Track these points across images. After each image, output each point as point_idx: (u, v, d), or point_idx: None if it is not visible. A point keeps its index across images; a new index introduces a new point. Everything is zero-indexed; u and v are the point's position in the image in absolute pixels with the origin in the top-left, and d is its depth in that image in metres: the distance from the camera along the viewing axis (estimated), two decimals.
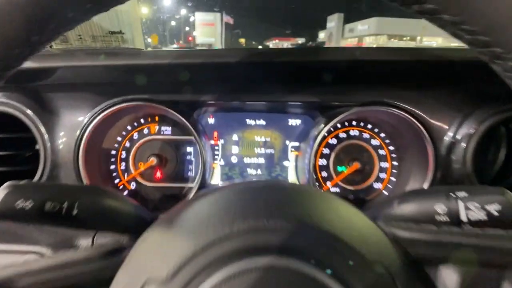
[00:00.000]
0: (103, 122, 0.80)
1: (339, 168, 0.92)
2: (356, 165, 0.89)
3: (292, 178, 0.94)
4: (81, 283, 0.38)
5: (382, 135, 0.92)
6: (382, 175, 0.93)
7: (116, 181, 0.91)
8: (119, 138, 0.90)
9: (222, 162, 0.94)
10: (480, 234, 0.34)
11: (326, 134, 0.81)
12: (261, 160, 0.94)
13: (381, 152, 0.92)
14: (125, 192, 0.91)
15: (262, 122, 0.94)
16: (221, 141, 0.94)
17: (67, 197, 0.46)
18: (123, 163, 0.91)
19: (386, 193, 0.93)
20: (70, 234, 0.52)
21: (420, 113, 0.81)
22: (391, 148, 0.92)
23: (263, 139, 0.94)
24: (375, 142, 0.92)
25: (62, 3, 0.31)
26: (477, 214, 0.36)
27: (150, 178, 0.91)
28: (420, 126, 0.80)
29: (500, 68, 0.25)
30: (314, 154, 0.82)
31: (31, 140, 0.78)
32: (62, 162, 0.78)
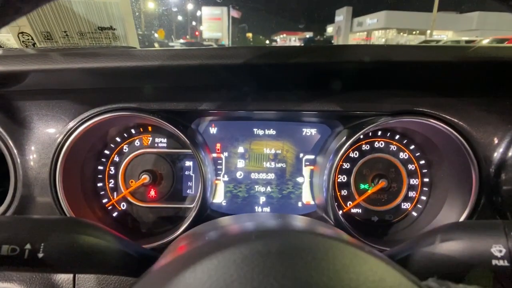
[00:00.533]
0: (86, 135, 0.68)
1: (362, 186, 0.79)
2: (382, 183, 0.76)
3: (306, 196, 0.81)
4: None
5: (412, 147, 0.79)
6: (412, 194, 0.80)
7: (104, 201, 0.79)
8: (106, 152, 0.78)
9: (226, 178, 0.82)
10: None
11: (348, 147, 0.68)
12: (271, 176, 0.82)
13: (411, 167, 0.79)
14: (115, 214, 0.79)
15: (272, 132, 0.81)
16: (225, 154, 0.81)
17: (30, 238, 0.37)
18: (112, 181, 0.79)
19: (415, 214, 0.80)
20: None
21: (463, 125, 0.67)
22: (422, 162, 0.79)
23: (273, 151, 0.81)
24: (403, 155, 0.79)
25: None
26: None
27: (143, 197, 0.79)
28: (462, 140, 0.67)
29: None
30: (334, 170, 0.69)
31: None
32: (36, 181, 0.67)
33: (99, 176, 0.78)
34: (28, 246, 0.36)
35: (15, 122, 0.67)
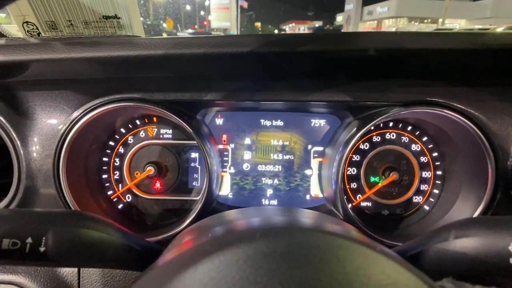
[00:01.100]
0: (89, 125, 0.67)
1: (372, 179, 0.77)
2: (393, 176, 0.73)
3: (314, 189, 0.79)
4: None
5: (424, 138, 0.76)
6: (424, 187, 0.77)
7: (109, 192, 0.78)
8: (111, 143, 0.77)
9: (233, 170, 0.80)
10: None
11: (359, 139, 0.66)
12: (278, 168, 0.80)
13: (423, 159, 0.77)
14: (120, 206, 0.78)
15: (279, 123, 0.79)
16: (231, 146, 0.79)
17: (31, 231, 0.36)
18: (117, 172, 0.78)
19: (427, 208, 0.77)
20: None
21: (478, 115, 0.64)
22: (435, 154, 0.76)
23: (280, 143, 0.79)
24: (415, 147, 0.76)
25: None
26: None
27: (148, 189, 0.78)
28: (477, 131, 0.64)
29: None
30: (343, 162, 0.67)
31: (1, 148, 0.66)
32: (39, 173, 0.66)
33: (103, 167, 0.77)
34: (29, 240, 0.36)
35: (18, 113, 0.66)
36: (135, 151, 0.77)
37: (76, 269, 0.67)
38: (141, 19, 0.98)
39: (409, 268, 0.26)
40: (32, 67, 0.63)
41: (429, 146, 0.76)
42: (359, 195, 0.77)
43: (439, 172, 0.77)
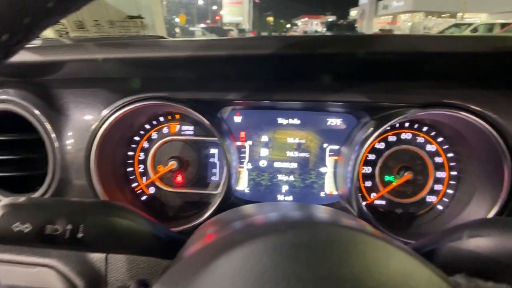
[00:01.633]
0: (118, 122, 0.71)
1: (387, 178, 0.79)
2: (408, 176, 0.75)
3: (329, 186, 0.82)
4: None
5: (440, 139, 0.77)
6: (438, 187, 0.79)
7: (134, 185, 0.82)
8: (136, 138, 0.81)
9: (250, 166, 0.83)
10: None
11: (375, 139, 0.68)
12: (294, 165, 0.83)
13: (438, 160, 0.78)
14: (144, 197, 0.83)
15: (296, 121, 0.81)
16: (249, 143, 0.82)
17: (71, 219, 0.40)
18: (141, 166, 0.82)
19: (440, 207, 0.79)
20: None
21: (496, 117, 0.65)
22: (450, 155, 0.77)
23: (297, 141, 0.82)
24: (431, 147, 0.78)
25: None
26: None
27: (170, 182, 0.82)
28: (494, 133, 0.65)
29: None
30: (359, 161, 0.69)
31: (37, 141, 0.71)
32: (72, 165, 0.71)
33: (129, 161, 0.82)
34: (69, 226, 0.39)
35: (53, 109, 0.71)
36: (159, 146, 0.81)
37: (104, 255, 0.71)
38: None
39: (424, 262, 0.29)
40: (66, 66, 0.68)
41: (445, 147, 0.77)
42: (374, 194, 0.79)
43: (454, 173, 0.78)
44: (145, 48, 0.63)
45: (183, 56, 0.63)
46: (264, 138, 0.82)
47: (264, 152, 0.83)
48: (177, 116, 0.81)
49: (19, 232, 0.38)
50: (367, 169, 0.79)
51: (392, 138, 0.78)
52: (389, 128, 0.75)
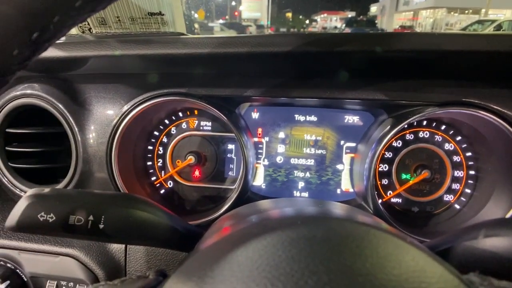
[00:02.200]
0: (138, 117, 0.73)
1: (403, 176, 0.79)
2: (425, 174, 0.75)
3: (345, 184, 0.82)
4: None
5: (458, 138, 0.77)
6: (455, 186, 0.78)
7: (153, 178, 0.84)
8: (156, 133, 0.83)
9: (266, 162, 0.84)
10: None
11: (392, 137, 0.68)
12: (311, 162, 0.83)
13: (456, 158, 0.77)
14: (162, 191, 0.85)
15: (313, 118, 0.82)
16: (266, 139, 0.83)
17: (93, 210, 0.42)
18: (160, 160, 0.84)
19: (458, 206, 0.78)
20: None
21: None
22: (468, 154, 0.76)
23: (313, 137, 0.82)
24: (448, 146, 0.77)
25: None
26: None
27: (188, 177, 0.84)
28: None
29: None
30: (376, 158, 0.69)
31: (61, 134, 0.73)
32: (94, 158, 0.73)
33: (148, 155, 0.84)
34: (91, 217, 0.41)
35: (77, 103, 0.74)
36: (178, 141, 0.83)
37: (123, 246, 0.74)
38: None
39: (437, 259, 0.29)
40: (89, 62, 0.70)
41: (463, 146, 0.77)
42: (390, 191, 0.79)
43: (471, 172, 0.77)
44: (165, 45, 0.65)
45: (203, 53, 0.64)
46: (281, 134, 0.83)
47: (281, 148, 0.84)
48: (196, 112, 0.82)
49: (44, 222, 0.40)
50: (384, 167, 0.79)
51: (409, 136, 0.78)
52: (406, 126, 0.74)
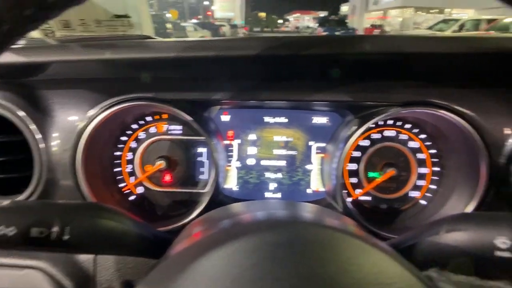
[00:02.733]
0: (104, 122, 0.71)
1: (371, 174, 0.81)
2: (392, 172, 0.77)
3: (315, 183, 0.83)
4: None
5: (422, 136, 0.79)
6: (421, 182, 0.81)
7: (122, 185, 0.82)
8: (124, 138, 0.81)
9: (238, 165, 0.84)
10: None
11: (358, 136, 0.70)
12: (282, 163, 0.84)
13: (420, 156, 0.80)
14: (132, 197, 0.83)
15: (283, 120, 0.82)
16: (237, 141, 0.83)
17: (56, 221, 0.41)
18: (129, 166, 0.82)
19: (424, 202, 0.81)
20: None
21: (473, 115, 0.67)
22: (432, 151, 0.79)
23: (284, 139, 0.83)
24: (413, 144, 0.80)
25: None
26: None
27: (158, 182, 0.83)
28: (471, 130, 0.67)
29: None
30: (344, 158, 0.71)
31: (24, 142, 0.70)
32: (58, 166, 0.71)
33: (116, 161, 0.82)
34: (54, 229, 0.40)
35: (39, 110, 0.71)
36: (147, 146, 0.81)
37: (92, 256, 0.71)
38: None
39: (398, 259, 0.30)
40: (51, 67, 0.67)
41: (427, 144, 0.80)
42: (359, 190, 0.81)
43: (436, 169, 0.80)
44: (130, 49, 0.64)
45: (169, 57, 0.63)
46: (252, 136, 0.83)
47: (252, 150, 0.84)
48: (165, 116, 0.81)
49: (3, 236, 0.38)
50: (352, 166, 0.81)
51: (376, 136, 0.80)
52: (373, 125, 0.77)
